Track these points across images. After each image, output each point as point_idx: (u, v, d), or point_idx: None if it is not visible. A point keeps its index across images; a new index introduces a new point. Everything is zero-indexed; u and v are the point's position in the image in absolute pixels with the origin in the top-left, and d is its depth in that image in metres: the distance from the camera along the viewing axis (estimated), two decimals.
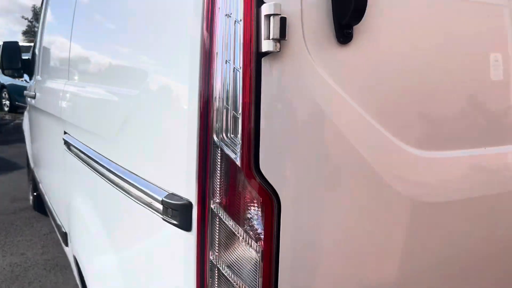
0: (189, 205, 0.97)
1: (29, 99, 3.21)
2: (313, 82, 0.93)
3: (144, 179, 1.16)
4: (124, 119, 1.27)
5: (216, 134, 0.92)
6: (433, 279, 1.13)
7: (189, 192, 0.97)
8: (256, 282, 0.93)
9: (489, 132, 1.20)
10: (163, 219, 1.04)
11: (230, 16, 0.90)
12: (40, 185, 3.28)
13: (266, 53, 0.89)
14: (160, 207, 1.05)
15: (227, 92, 0.91)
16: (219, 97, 0.91)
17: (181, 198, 0.99)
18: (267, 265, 0.93)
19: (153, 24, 1.14)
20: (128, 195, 1.24)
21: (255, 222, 0.93)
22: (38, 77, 3.11)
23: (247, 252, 0.93)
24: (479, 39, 1.17)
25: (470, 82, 1.16)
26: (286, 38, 0.87)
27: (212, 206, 0.94)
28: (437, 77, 1.10)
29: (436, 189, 1.11)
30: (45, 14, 3.01)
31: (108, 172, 1.37)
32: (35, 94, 2.94)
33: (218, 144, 0.92)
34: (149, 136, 1.13)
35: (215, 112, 0.92)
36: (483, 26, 1.17)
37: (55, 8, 2.59)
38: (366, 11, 0.93)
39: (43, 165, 2.98)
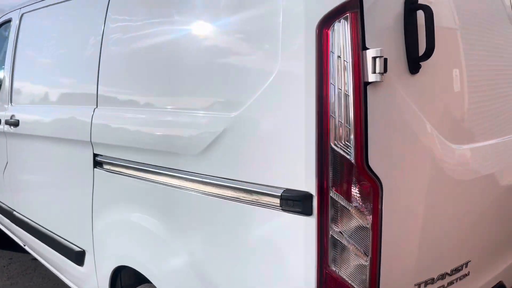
0: (309, 195, 1.30)
1: (10, 127, 3.13)
2: (398, 101, 1.34)
3: (247, 182, 1.46)
4: (216, 137, 1.55)
5: (333, 142, 1.28)
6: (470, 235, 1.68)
7: (308, 185, 1.30)
8: (367, 246, 1.30)
9: (496, 129, 1.77)
10: (283, 209, 1.36)
11: (340, 57, 1.27)
12: (14, 213, 3.24)
13: (369, 82, 1.27)
14: (277, 200, 1.36)
15: (340, 111, 1.27)
16: (333, 115, 1.27)
17: (299, 191, 1.32)
18: (375, 233, 1.31)
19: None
20: (230, 199, 1.52)
21: (366, 202, 1.30)
22: (12, 105, 3.12)
23: (360, 225, 1.30)
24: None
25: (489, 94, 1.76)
26: (386, 72, 1.27)
27: (331, 194, 1.29)
28: (468, 94, 1.63)
29: (464, 170, 1.62)
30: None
31: (197, 183, 1.63)
32: (18, 121, 2.96)
33: (335, 149, 1.28)
34: (257, 148, 1.43)
35: (331, 125, 1.27)
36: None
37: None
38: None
39: (29, 192, 2.99)
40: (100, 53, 2.17)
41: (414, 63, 1.37)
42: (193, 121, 1.67)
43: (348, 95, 1.27)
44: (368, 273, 1.32)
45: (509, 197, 1.93)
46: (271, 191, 1.39)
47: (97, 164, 2.22)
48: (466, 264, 1.68)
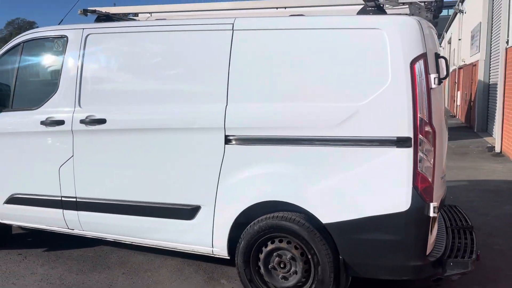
0: (410, 138, 2.94)
1: (87, 126, 3.74)
2: (437, 95, 3.09)
3: (371, 136, 3.00)
4: (348, 116, 3.03)
5: (418, 113, 2.94)
6: None
7: (409, 133, 2.94)
8: (431, 158, 3.01)
9: None
10: (397, 146, 2.95)
11: (420, 77, 2.95)
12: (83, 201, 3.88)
13: (432, 88, 2.99)
14: (393, 142, 2.95)
15: (421, 100, 2.95)
16: (419, 102, 2.94)
17: (405, 136, 2.94)
18: (434, 152, 3.02)
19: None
20: (363, 146, 3.02)
21: (431, 138, 2.99)
22: (81, 108, 3.78)
23: (429, 148, 2.98)
24: None
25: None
26: (437, 84, 3.00)
27: (419, 136, 2.95)
28: None
29: None
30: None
31: (332, 142, 3.08)
32: (102, 119, 3.68)
33: (420, 116, 2.94)
34: (378, 120, 2.98)
35: (418, 106, 2.94)
36: None
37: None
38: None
39: (118, 176, 3.75)
40: (229, 70, 3.34)
41: (440, 81, 3.13)
42: (333, 105, 3.11)
43: (424, 93, 2.96)
44: (431, 171, 3.02)
45: None
46: (389, 138, 2.97)
47: (228, 141, 3.35)
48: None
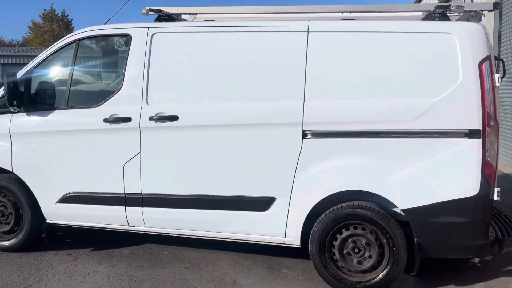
0: (479, 130, 3.31)
1: (156, 122, 3.81)
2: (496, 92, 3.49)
3: (444, 129, 3.35)
4: (424, 111, 3.36)
5: (486, 108, 3.32)
6: None
7: (479, 126, 3.31)
8: (495, 146, 3.40)
9: None
10: (468, 138, 3.31)
11: (487, 76, 3.34)
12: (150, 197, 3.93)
13: (496, 86, 3.38)
14: (463, 135, 3.31)
15: (488, 96, 3.34)
16: (487, 97, 3.33)
17: (475, 129, 3.31)
18: (498, 140, 3.41)
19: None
20: (438, 138, 3.36)
21: (494, 130, 3.38)
22: (149, 105, 3.83)
23: (493, 139, 3.37)
24: None
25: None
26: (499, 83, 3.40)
27: (487, 128, 3.33)
28: None
29: None
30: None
31: (408, 134, 3.39)
32: (174, 116, 3.77)
33: (487, 111, 3.33)
34: (451, 114, 3.34)
35: (486, 101, 3.32)
36: None
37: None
38: None
39: (189, 171, 3.84)
40: (305, 69, 3.56)
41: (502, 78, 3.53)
42: (409, 101, 3.42)
43: (490, 90, 3.35)
44: (495, 160, 3.41)
45: None
46: (461, 130, 3.33)
47: (306, 136, 3.57)
48: None
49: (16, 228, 4.33)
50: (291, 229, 3.74)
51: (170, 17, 4.09)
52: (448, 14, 3.61)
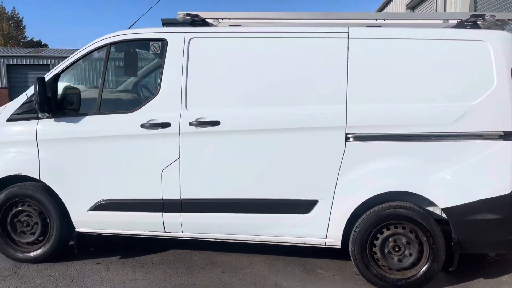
0: None
1: (197, 127, 3.82)
2: None
3: (483, 131, 3.55)
4: (461, 115, 3.55)
5: None
6: None
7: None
8: None
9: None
10: (504, 139, 3.53)
11: None
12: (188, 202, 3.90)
13: None
14: (498, 136, 3.53)
15: None
16: None
17: (510, 131, 3.53)
18: None
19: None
20: (474, 139, 3.55)
21: None
22: (188, 110, 3.82)
23: None
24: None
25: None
26: None
27: None
28: None
29: None
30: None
31: (447, 137, 3.56)
32: (216, 121, 3.77)
33: None
34: (487, 116, 3.54)
35: None
36: None
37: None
38: None
39: (232, 175, 3.86)
40: (347, 74, 3.67)
41: None
42: (448, 105, 3.59)
43: None
44: None
45: None
46: (497, 132, 3.54)
47: (348, 139, 3.68)
48: None
49: (41, 238, 4.18)
50: (332, 230, 3.83)
51: (204, 22, 4.08)
52: (478, 23, 3.82)
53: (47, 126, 4.05)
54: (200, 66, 3.90)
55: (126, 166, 3.98)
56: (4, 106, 4.28)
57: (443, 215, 3.71)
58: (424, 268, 3.70)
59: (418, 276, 3.71)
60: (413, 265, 3.73)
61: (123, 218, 4.06)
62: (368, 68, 3.73)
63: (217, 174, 3.90)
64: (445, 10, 12.17)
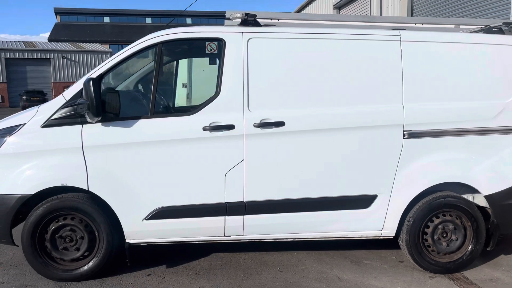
0: None
1: (262, 129, 3.80)
2: None
3: None
4: (500, 111, 4.00)
5: None
6: None
7: None
8: None
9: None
10: None
11: None
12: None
13: None
14: None
15: None
16: None
17: None
18: None
19: None
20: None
21: None
22: (251, 111, 3.79)
23: None
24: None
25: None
26: None
27: None
28: None
29: None
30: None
31: (489, 131, 3.99)
32: (280, 122, 3.78)
33: None
34: None
35: None
36: None
37: None
38: None
39: (300, 174, 3.91)
40: (402, 75, 3.92)
41: None
42: (489, 102, 4.01)
43: None
44: None
45: None
46: None
47: (405, 136, 3.93)
48: None
49: (86, 254, 3.84)
50: (389, 222, 4.07)
51: (256, 22, 4.04)
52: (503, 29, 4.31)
53: (94, 132, 3.72)
54: (259, 66, 3.87)
55: (186, 170, 3.82)
56: (34, 109, 3.84)
57: (477, 202, 4.14)
58: (468, 250, 4.10)
59: (464, 258, 4.11)
60: (459, 248, 4.13)
61: (182, 225, 3.89)
62: (420, 70, 4.02)
63: (281, 175, 3.92)
64: (381, 13, 13.11)
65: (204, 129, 3.77)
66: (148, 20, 54.15)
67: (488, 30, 4.36)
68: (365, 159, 3.99)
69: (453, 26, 4.85)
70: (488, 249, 4.22)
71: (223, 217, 3.91)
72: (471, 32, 4.55)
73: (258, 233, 4.03)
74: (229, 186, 3.86)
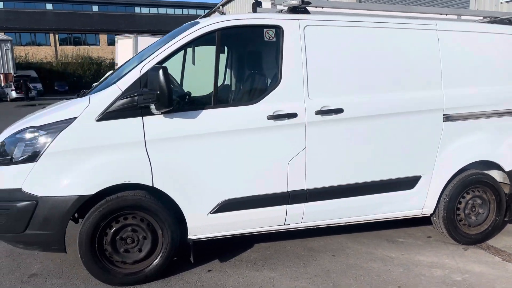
0: None
1: (323, 116, 3.84)
2: None
3: None
4: None
5: None
6: None
7: None
8: None
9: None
10: None
11: None
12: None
13: None
14: None
15: None
16: None
17: None
18: None
19: None
20: None
21: None
22: (311, 99, 3.81)
23: None
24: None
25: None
26: None
27: None
28: None
29: None
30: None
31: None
32: (339, 109, 3.85)
33: None
34: None
35: None
36: None
37: None
38: None
39: (353, 160, 4.02)
40: (440, 62, 4.18)
41: None
42: None
43: None
44: None
45: None
46: None
47: (445, 119, 4.22)
48: None
49: (149, 254, 3.60)
50: (429, 200, 4.36)
51: (306, 10, 4.03)
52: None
53: (157, 123, 3.49)
54: (316, 54, 3.90)
55: (251, 160, 3.74)
56: (84, 101, 3.48)
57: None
58: (492, 221, 4.55)
59: (489, 229, 4.55)
60: (484, 220, 4.55)
61: (244, 216, 3.81)
62: (456, 57, 4.32)
63: (339, 161, 4.00)
64: None
65: (268, 118, 3.71)
66: (95, 8, 52.09)
67: (500, 21, 4.81)
68: (411, 143, 4.21)
69: (455, 16, 5.25)
70: (505, 219, 4.70)
71: (285, 206, 3.90)
72: (480, 23, 4.98)
73: (316, 219, 4.08)
74: (292, 175, 3.86)
